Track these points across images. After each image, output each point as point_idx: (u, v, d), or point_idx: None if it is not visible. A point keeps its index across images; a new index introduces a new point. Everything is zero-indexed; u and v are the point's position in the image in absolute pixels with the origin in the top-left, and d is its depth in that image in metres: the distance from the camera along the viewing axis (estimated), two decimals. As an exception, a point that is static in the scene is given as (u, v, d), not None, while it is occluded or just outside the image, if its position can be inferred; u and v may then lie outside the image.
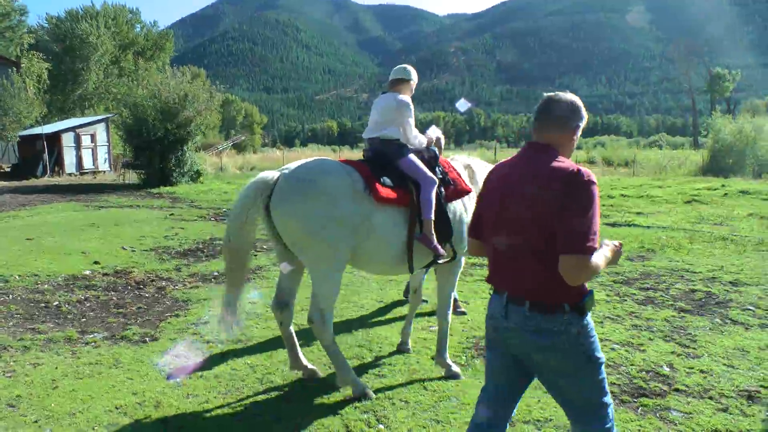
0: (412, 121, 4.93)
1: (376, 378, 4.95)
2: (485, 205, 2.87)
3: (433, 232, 4.65)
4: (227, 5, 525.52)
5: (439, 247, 4.66)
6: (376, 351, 5.57)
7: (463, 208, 4.96)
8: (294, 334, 4.82)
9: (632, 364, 5.15)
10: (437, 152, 5.18)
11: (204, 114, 25.02)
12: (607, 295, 7.37)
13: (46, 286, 8.09)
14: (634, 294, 7.42)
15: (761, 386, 4.66)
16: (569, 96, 2.73)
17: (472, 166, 5.42)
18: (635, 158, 35.97)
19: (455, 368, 4.99)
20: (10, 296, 7.53)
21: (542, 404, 4.38)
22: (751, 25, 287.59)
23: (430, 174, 4.77)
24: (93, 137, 33.46)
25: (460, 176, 5.08)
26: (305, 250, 4.37)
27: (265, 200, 4.30)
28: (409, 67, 5.10)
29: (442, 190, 4.82)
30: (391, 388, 4.75)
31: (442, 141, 5.69)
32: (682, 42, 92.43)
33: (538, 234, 2.55)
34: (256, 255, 10.21)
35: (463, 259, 5.25)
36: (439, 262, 4.80)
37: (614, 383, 4.75)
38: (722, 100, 75.45)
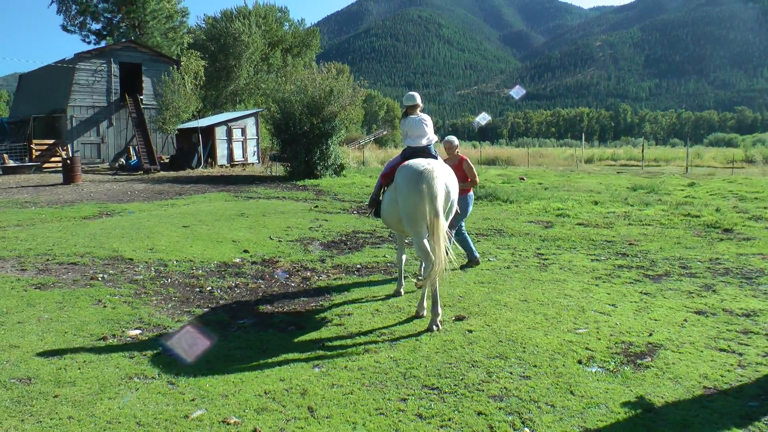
0: None
1: (521, 379, 4.77)
2: None
3: None
4: (371, 2, 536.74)
5: None
6: (519, 351, 5.37)
7: None
8: None
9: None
10: None
11: (348, 109, 25.57)
12: (777, 307, 6.68)
13: (200, 271, 8.58)
14: (810, 307, 6.68)
15: None
16: None
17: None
18: (804, 158, 32.68)
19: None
20: (169, 280, 8.06)
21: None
22: None
23: None
24: (243, 131, 35.25)
25: None
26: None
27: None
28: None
29: None
30: (535, 390, 4.57)
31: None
32: None
33: None
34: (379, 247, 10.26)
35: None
36: None
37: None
38: None
